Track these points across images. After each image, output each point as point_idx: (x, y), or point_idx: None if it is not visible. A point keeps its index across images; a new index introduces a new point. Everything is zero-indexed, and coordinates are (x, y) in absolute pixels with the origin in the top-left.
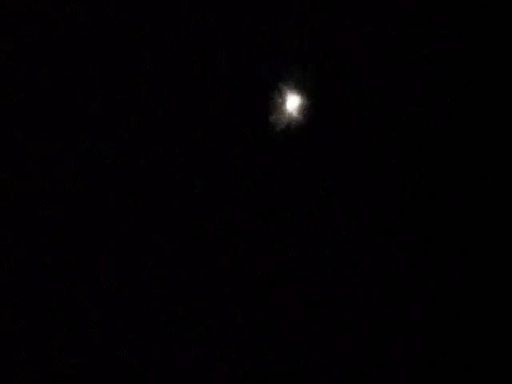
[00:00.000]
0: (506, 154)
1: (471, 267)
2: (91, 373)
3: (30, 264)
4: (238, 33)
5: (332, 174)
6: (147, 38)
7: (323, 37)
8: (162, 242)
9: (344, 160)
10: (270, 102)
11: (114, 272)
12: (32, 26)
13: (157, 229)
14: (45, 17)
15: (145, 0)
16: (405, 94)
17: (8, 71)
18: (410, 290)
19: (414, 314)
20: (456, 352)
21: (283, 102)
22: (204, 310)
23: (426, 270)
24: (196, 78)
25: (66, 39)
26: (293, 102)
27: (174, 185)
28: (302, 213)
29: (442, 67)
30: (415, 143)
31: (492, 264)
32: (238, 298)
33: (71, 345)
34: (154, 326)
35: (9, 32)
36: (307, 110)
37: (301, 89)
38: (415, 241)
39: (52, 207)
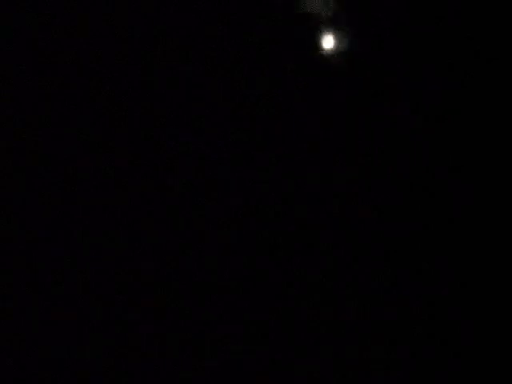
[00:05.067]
0: (507, 155)
1: (471, 268)
2: (91, 373)
3: (29, 263)
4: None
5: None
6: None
7: None
8: (163, 239)
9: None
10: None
11: (114, 271)
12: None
13: (159, 225)
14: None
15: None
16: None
17: (7, 71)
18: (409, 290)
19: (414, 314)
20: (455, 352)
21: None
22: (204, 310)
23: (426, 270)
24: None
25: (64, 39)
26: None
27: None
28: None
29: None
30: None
31: (492, 265)
32: (238, 297)
33: (71, 344)
34: (154, 325)
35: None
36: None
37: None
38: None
39: (51, 206)
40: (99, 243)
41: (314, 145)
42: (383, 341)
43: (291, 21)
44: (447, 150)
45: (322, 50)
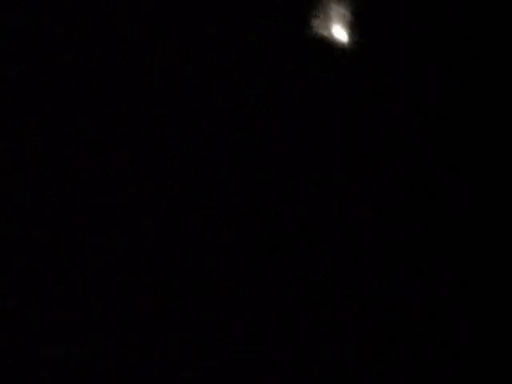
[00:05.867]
0: (507, 155)
1: (471, 268)
2: (91, 373)
3: (29, 263)
4: None
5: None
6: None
7: None
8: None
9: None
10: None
11: (114, 271)
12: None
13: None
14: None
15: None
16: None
17: (7, 71)
18: (409, 290)
19: (414, 314)
20: (455, 352)
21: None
22: (204, 310)
23: (426, 270)
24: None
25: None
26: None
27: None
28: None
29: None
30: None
31: (492, 265)
32: (238, 297)
33: (71, 344)
34: (154, 325)
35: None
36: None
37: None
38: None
39: (51, 206)
40: (99, 243)
41: (313, 145)
42: (383, 341)
43: (291, 21)
44: (447, 150)
45: (322, 49)
